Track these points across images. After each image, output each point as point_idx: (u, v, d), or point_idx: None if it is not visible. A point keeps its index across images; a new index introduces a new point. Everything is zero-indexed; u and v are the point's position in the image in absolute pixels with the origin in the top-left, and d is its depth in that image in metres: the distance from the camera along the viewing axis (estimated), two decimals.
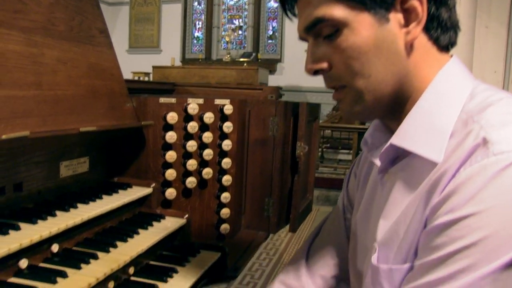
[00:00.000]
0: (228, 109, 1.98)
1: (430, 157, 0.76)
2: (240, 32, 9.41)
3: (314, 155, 2.66)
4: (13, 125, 1.22)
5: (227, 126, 1.98)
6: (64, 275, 1.20)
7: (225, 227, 2.03)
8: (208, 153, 1.94)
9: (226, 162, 1.99)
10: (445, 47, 0.84)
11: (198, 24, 9.61)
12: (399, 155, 0.86)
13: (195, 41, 9.64)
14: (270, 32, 9.24)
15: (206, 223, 2.02)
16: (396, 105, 0.84)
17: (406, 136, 0.81)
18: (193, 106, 1.90)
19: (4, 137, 1.08)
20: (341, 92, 0.85)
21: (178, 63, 8.84)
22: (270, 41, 9.26)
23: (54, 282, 1.16)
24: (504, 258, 0.63)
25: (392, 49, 0.79)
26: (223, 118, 2.01)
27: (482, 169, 0.66)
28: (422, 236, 0.75)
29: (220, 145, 2.00)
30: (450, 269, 0.66)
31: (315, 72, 0.86)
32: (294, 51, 8.57)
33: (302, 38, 0.89)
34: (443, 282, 0.67)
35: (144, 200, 1.80)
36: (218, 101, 1.99)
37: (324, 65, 0.84)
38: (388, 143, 0.84)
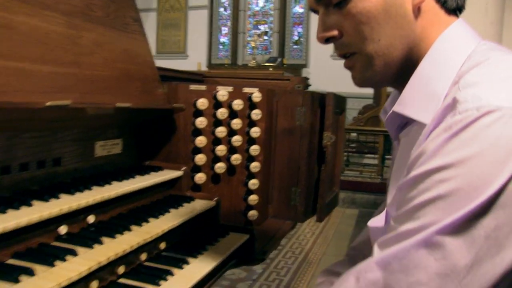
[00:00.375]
0: (257, 97, 2.02)
1: (423, 121, 0.78)
2: (265, 37, 9.48)
3: (340, 148, 2.67)
4: (55, 98, 1.28)
5: (256, 114, 2.02)
6: (100, 241, 1.24)
7: (252, 213, 2.06)
8: (236, 139, 1.98)
9: (255, 149, 2.03)
10: (453, 10, 0.85)
11: (224, 29, 9.71)
12: (408, 122, 0.88)
13: (221, 47, 9.75)
14: (296, 38, 9.28)
15: (234, 210, 2.06)
16: (406, 69, 0.86)
17: (406, 102, 0.84)
18: (222, 93, 1.94)
19: (48, 103, 1.14)
20: (352, 59, 0.88)
21: (204, 68, 8.96)
22: (295, 46, 9.30)
23: (91, 247, 1.20)
24: (466, 210, 0.65)
25: (400, 13, 0.82)
26: (252, 106, 2.05)
27: (447, 127, 0.69)
28: (396, 193, 0.78)
29: (248, 133, 2.04)
30: (416, 221, 0.69)
31: (327, 40, 0.89)
32: (320, 56, 8.59)
33: (312, 9, 0.92)
34: (409, 235, 0.69)
35: (175, 183, 1.85)
36: (246, 90, 2.03)
37: (335, 32, 0.87)
38: (391, 111, 0.86)
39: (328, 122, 2.27)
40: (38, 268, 1.05)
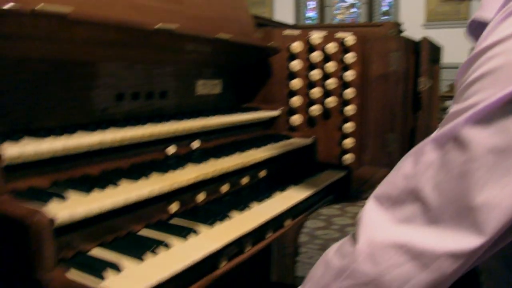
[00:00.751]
0: (351, 40, 2.00)
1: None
2: (353, 9, 9.29)
3: (436, 98, 2.59)
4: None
5: (350, 57, 2.01)
6: (205, 161, 1.32)
7: (347, 157, 2.06)
8: (331, 82, 1.99)
9: (349, 93, 2.02)
10: None
11: (311, 4, 9.64)
12: None
13: (308, 21, 9.69)
14: (385, 8, 9.01)
15: (329, 153, 2.07)
16: None
17: (484, 8, 0.83)
18: (315, 37, 1.96)
19: (157, 26, 1.22)
20: None
21: None
22: (384, 17, 9.04)
23: (198, 163, 1.29)
24: None
25: None
26: (345, 50, 2.04)
27: (502, 12, 0.67)
28: (456, 82, 0.79)
29: (342, 76, 2.03)
30: (467, 100, 0.68)
31: None
32: (410, 26, 8.27)
33: None
34: (461, 113, 0.68)
35: (272, 123, 1.91)
36: (340, 34, 2.02)
37: None
38: (471, 19, 0.87)
39: (424, 67, 2.21)
40: (153, 174, 1.14)
